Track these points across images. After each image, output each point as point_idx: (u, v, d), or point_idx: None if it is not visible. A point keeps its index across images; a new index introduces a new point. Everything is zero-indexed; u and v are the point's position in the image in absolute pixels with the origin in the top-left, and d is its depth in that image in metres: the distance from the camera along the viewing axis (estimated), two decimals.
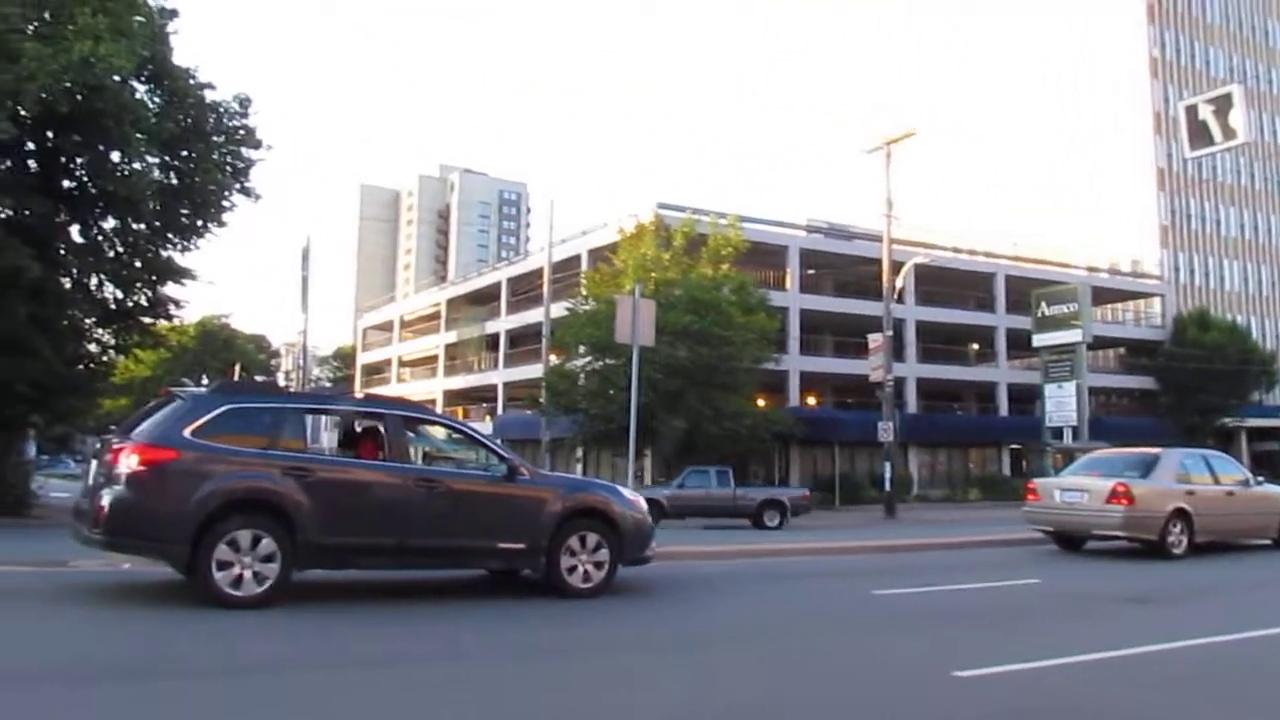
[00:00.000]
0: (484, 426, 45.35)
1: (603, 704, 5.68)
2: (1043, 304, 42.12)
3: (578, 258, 45.93)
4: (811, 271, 47.26)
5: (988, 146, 67.83)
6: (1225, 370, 53.29)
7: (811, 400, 46.70)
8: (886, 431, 31.97)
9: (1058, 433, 39.99)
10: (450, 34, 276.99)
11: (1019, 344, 48.40)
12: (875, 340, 33.90)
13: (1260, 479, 17.16)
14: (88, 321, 23.21)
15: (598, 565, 9.64)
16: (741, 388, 35.02)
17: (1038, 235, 59.81)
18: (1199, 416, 54.06)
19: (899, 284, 34.99)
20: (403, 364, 70.22)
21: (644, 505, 10.57)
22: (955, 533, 20.20)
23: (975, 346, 54.54)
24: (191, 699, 5.50)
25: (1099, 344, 51.30)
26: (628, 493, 10.68)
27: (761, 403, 38.43)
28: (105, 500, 8.01)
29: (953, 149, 66.63)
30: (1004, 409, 51.97)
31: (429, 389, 60.88)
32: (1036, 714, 5.57)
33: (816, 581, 12.20)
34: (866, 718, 5.45)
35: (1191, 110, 17.40)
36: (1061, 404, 39.75)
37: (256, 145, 23.29)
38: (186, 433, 8.26)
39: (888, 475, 32.29)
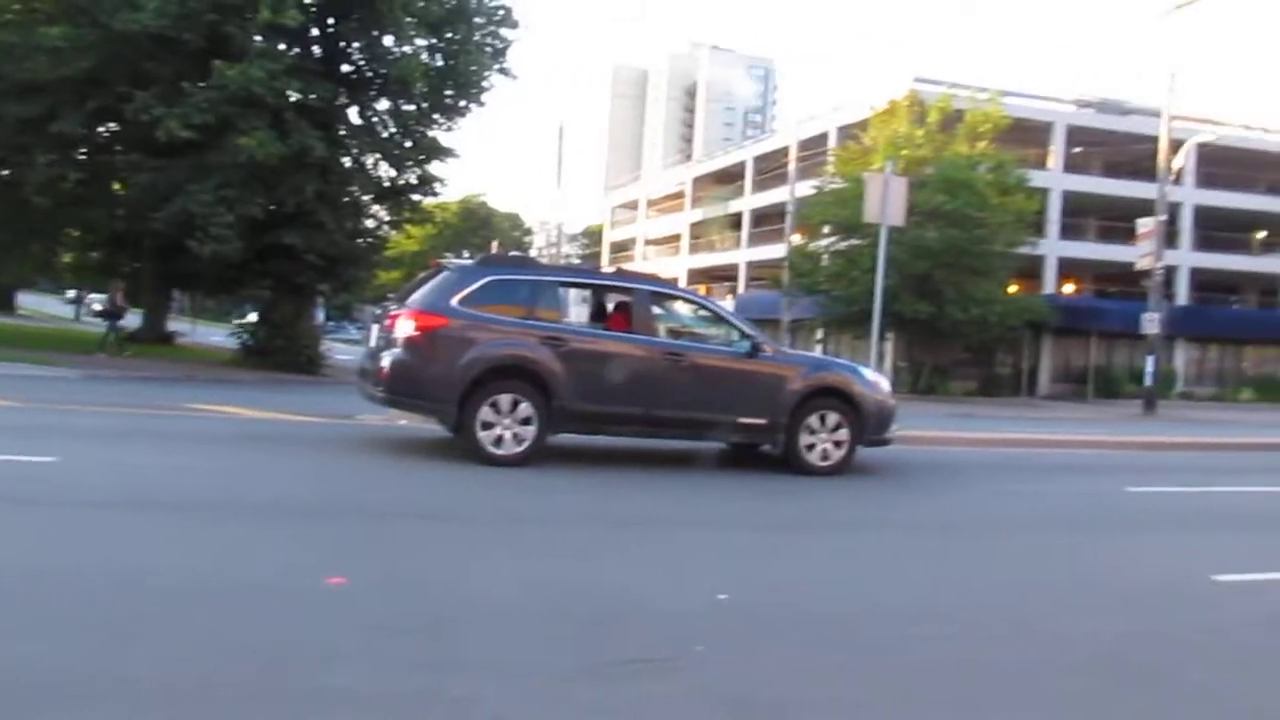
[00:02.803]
0: (725, 305, 45.81)
1: (834, 577, 5.86)
2: None
3: (825, 135, 44.67)
4: (1078, 150, 43.86)
5: None
6: None
7: (1069, 288, 43.96)
8: (1153, 323, 29.77)
9: None
10: None
11: None
12: (1145, 225, 31.31)
13: None
14: (365, 198, 25.03)
15: (836, 444, 9.71)
16: (993, 273, 33.43)
17: None
18: None
19: (1177, 164, 31.90)
20: (648, 242, 71.44)
21: (886, 387, 10.53)
22: (1223, 433, 18.81)
23: (1262, 235, 49.30)
24: (481, 541, 6.18)
25: None
26: (870, 373, 10.66)
27: (1014, 289, 36.60)
28: (386, 362, 8.86)
29: (1252, 15, 59.22)
30: None
31: (673, 267, 61.78)
32: None
33: (1068, 475, 11.82)
34: (1112, 614, 5.32)
35: None
36: None
37: (514, 25, 23.98)
38: (454, 302, 8.91)
39: (1150, 369, 30.17)
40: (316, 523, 6.29)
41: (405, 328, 8.83)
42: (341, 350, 31.24)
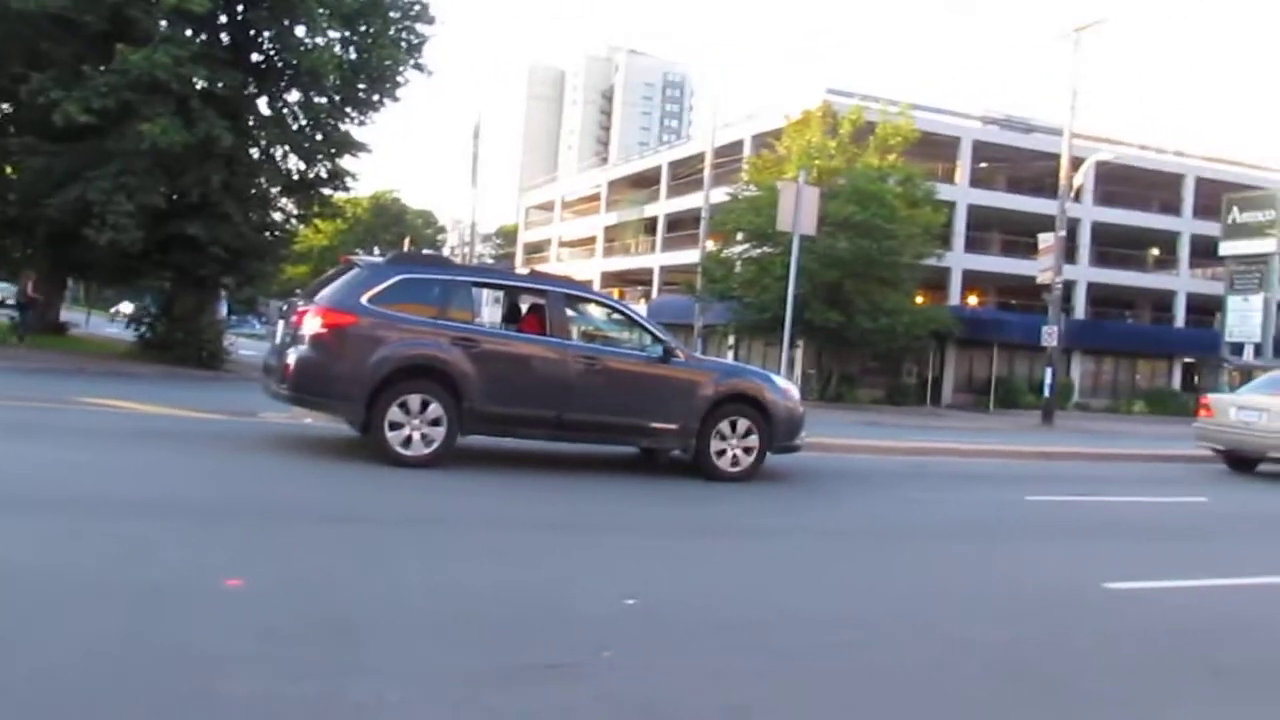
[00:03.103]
0: (639, 309, 45.92)
1: (743, 583, 5.88)
2: (1234, 209, 39.16)
3: (740, 143, 45.14)
4: (984, 165, 45.13)
5: (1186, 38, 62.48)
6: None
7: (973, 300, 45.19)
8: (1051, 335, 30.77)
9: (1237, 348, 37.61)
10: None
11: (1203, 251, 45.29)
12: (1046, 240, 32.38)
13: None
14: (273, 190, 24.45)
15: (747, 450, 9.80)
16: (901, 283, 34.16)
17: (1235, 136, 55.30)
18: None
19: (1077, 181, 33.05)
20: (562, 244, 71.29)
21: (796, 394, 10.66)
22: (1117, 444, 19.54)
23: (1155, 252, 51.38)
24: (387, 543, 6.03)
25: None
26: (781, 381, 10.78)
27: (920, 299, 37.47)
28: (291, 359, 8.64)
29: (1148, 40, 61.79)
30: (1180, 320, 49.10)
31: (587, 269, 61.74)
32: (1191, 633, 5.44)
33: (968, 483, 12.10)
34: (1008, 621, 5.45)
35: None
36: (1245, 318, 37.29)
37: (430, 20, 23.67)
38: (364, 299, 8.73)
39: (1048, 381, 31.19)
40: (215, 523, 6.07)
41: (313, 324, 8.62)
42: (246, 345, 30.46)
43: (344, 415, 9.12)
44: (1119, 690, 4.42)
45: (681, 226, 51.16)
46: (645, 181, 58.57)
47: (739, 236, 35.33)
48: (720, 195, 38.26)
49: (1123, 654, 4.96)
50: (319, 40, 21.56)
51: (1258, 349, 36.30)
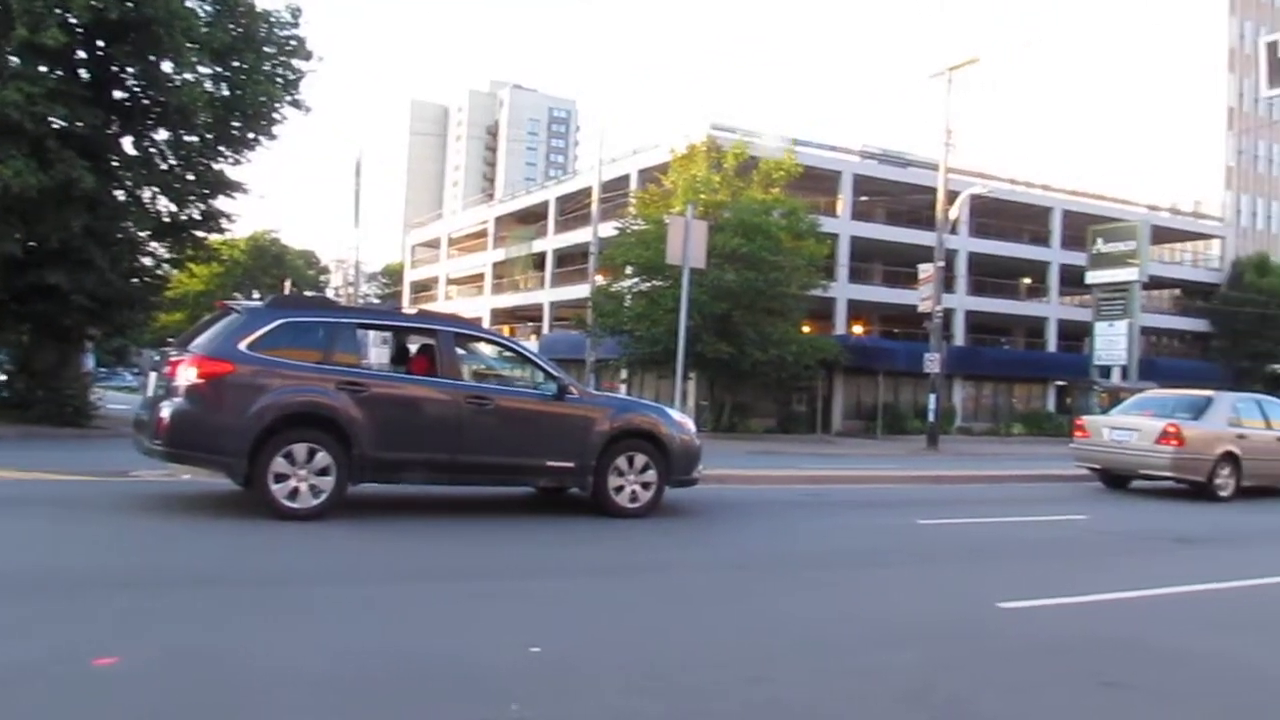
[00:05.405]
0: (531, 346, 45.58)
1: (647, 623, 5.77)
2: (1099, 240, 41.26)
3: (627, 177, 45.53)
4: (864, 198, 46.50)
5: (1052, 78, 65.64)
6: None
7: (858, 329, 46.34)
8: (933, 363, 31.70)
9: (1105, 371, 39.49)
10: None
11: (1072, 280, 47.56)
12: (926, 270, 33.43)
13: None
14: (142, 234, 23.23)
15: (645, 486, 9.74)
16: (789, 314, 34.82)
17: (1098, 171, 58.23)
18: (1250, 361, 53.08)
19: (953, 214, 34.30)
20: (450, 281, 70.53)
21: (692, 427, 10.63)
22: (1000, 466, 20.16)
23: (1027, 281, 53.64)
24: (275, 605, 5.70)
25: (1154, 284, 50.19)
26: (676, 414, 10.75)
27: (808, 330, 38.21)
28: (165, 413, 8.15)
29: (1016, 80, 64.69)
30: (1052, 345, 51.30)
31: (476, 307, 61.18)
32: (1080, 648, 5.57)
33: (861, 510, 12.26)
34: (908, 646, 5.48)
35: (1273, 46, 16.86)
36: (1111, 343, 39.21)
37: (307, 56, 23.08)
38: (242, 346, 8.35)
39: (932, 406, 32.09)
40: (85, 595, 5.62)
41: (187, 375, 8.18)
42: (116, 399, 29.06)
43: (224, 470, 8.64)
44: (1019, 707, 4.52)
45: (571, 261, 51.19)
46: (533, 217, 58.49)
47: (628, 270, 35.52)
48: (608, 230, 38.44)
49: (1019, 672, 5.09)
50: (188, 76, 20.67)
51: (1124, 371, 38.15)
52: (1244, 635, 6.18)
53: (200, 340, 8.65)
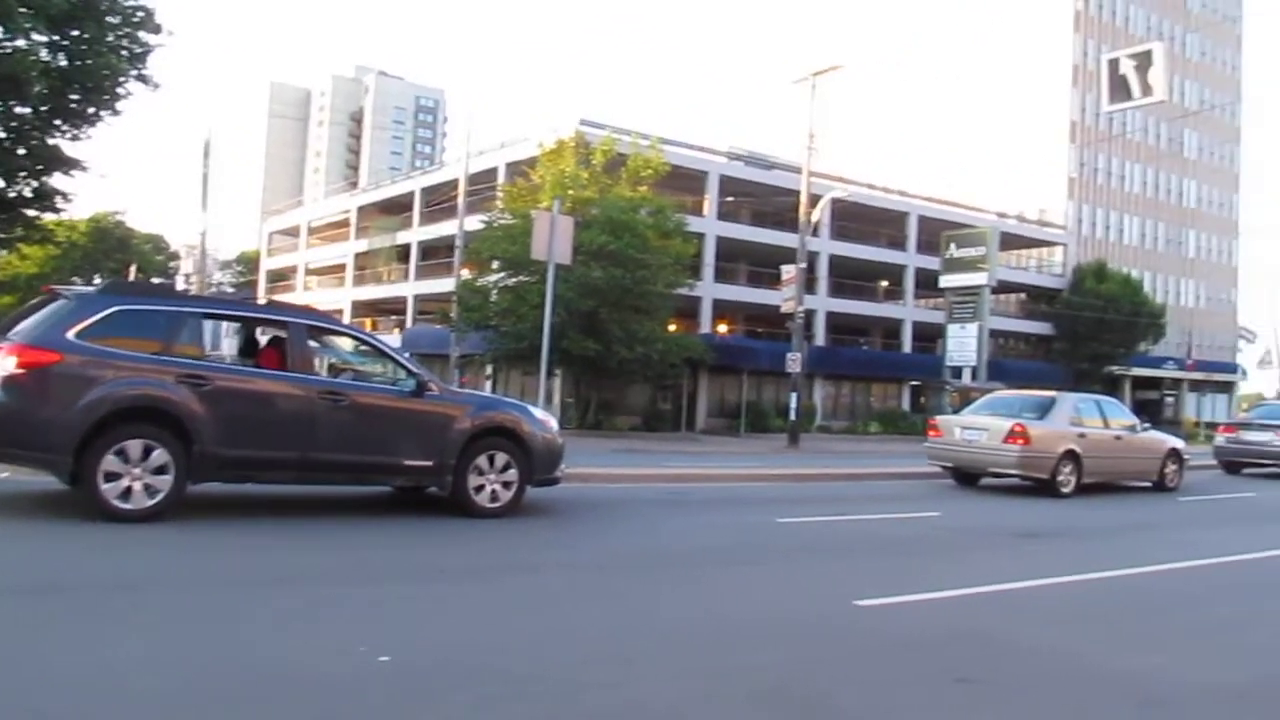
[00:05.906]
0: (392, 340, 44.49)
1: (502, 627, 5.59)
2: (952, 245, 42.86)
3: (495, 170, 44.97)
4: (730, 199, 47.15)
5: (911, 88, 67.99)
6: (1118, 320, 55.46)
7: (723, 328, 46.96)
8: (795, 362, 32.33)
9: (957, 372, 41.07)
10: None
11: (927, 284, 49.26)
12: (789, 272, 34.08)
13: (1146, 425, 17.83)
14: None
15: (506, 485, 9.53)
16: (655, 312, 34.97)
17: (951, 178, 60.62)
18: (1089, 363, 56.42)
19: (815, 217, 35.05)
20: (309, 272, 68.34)
21: (555, 425, 10.46)
22: (858, 464, 20.65)
23: (884, 284, 55.40)
24: (101, 613, 5.28)
25: (1002, 288, 52.64)
26: (539, 412, 10.54)
27: (674, 328, 38.49)
28: None
29: (876, 88, 66.75)
30: (908, 346, 53.13)
31: (336, 299, 59.46)
32: (934, 644, 5.67)
33: (723, 508, 12.30)
34: (768, 645, 5.46)
35: (1114, 64, 17.64)
36: (963, 344, 40.79)
37: (156, 30, 21.95)
38: (70, 334, 7.77)
39: (794, 405, 32.75)
40: None
41: (6, 365, 7.54)
42: None
43: (48, 467, 8.02)
44: (875, 704, 4.56)
45: (436, 254, 50.26)
46: (398, 207, 57.16)
47: (495, 265, 35.07)
48: (475, 223, 37.87)
49: (876, 669, 5.12)
50: (20, 43, 19.38)
51: (974, 372, 39.73)
52: (1081, 626, 6.40)
53: (22, 327, 8.02)
